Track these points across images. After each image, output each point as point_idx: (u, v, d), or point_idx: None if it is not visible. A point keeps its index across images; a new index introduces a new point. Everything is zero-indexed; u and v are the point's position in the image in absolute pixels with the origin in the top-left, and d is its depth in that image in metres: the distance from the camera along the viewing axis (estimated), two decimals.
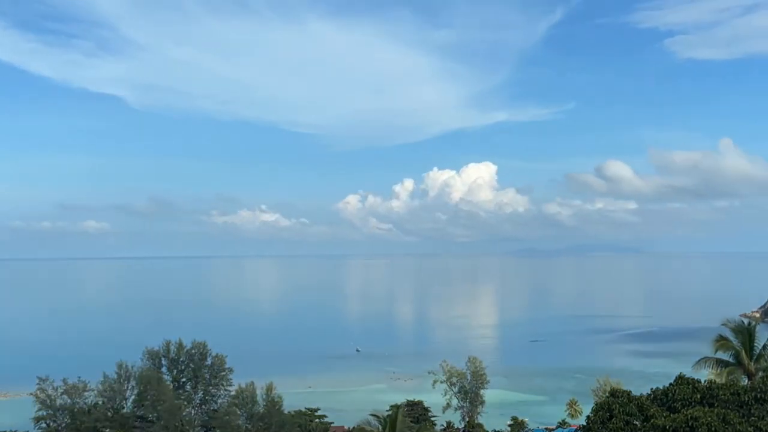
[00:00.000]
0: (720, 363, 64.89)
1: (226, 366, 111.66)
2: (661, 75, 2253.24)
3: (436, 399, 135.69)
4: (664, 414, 43.58)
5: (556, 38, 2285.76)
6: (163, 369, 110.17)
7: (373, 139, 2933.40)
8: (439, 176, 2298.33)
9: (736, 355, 64.92)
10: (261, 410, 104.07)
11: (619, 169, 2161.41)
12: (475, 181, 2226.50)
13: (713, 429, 40.02)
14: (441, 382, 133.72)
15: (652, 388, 49.76)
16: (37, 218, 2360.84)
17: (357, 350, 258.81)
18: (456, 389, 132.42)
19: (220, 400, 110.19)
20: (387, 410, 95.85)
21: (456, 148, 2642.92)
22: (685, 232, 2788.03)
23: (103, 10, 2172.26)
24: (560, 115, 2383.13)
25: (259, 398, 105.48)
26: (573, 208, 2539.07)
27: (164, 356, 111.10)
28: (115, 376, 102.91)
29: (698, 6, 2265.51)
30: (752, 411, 44.66)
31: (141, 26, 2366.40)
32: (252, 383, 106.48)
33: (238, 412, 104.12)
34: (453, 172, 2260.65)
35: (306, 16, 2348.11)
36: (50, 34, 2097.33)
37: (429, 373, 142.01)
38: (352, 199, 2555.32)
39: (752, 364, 64.01)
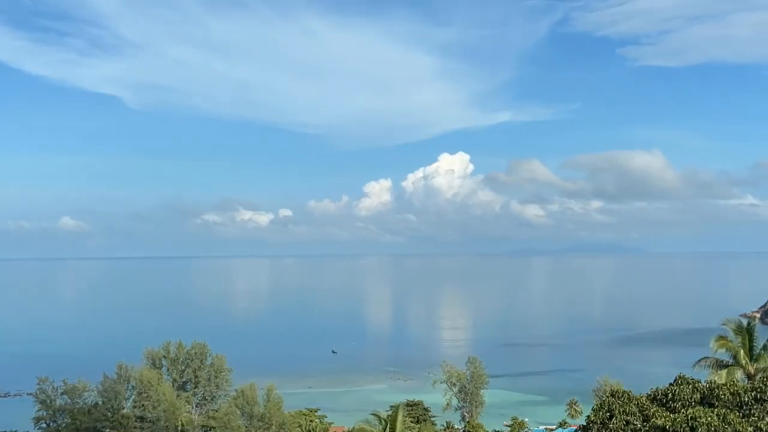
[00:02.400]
0: (720, 363, 64.88)
1: (226, 366, 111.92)
2: (633, 79, 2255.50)
3: (436, 399, 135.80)
4: (664, 414, 43.60)
5: (556, 37, 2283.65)
6: (163, 369, 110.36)
7: (373, 139, 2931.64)
8: (434, 176, 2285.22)
9: (736, 355, 64.94)
10: (261, 410, 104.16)
11: (536, 166, 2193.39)
12: (472, 180, 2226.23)
13: (713, 429, 40.03)
14: (441, 383, 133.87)
15: (652, 388, 49.69)
16: (25, 218, 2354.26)
17: (333, 351, 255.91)
18: (456, 389, 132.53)
19: (220, 401, 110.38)
20: (387, 410, 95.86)
21: (456, 148, 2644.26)
22: (670, 233, 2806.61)
23: (100, 8, 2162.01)
24: (564, 114, 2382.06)
25: (259, 399, 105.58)
26: (557, 209, 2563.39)
27: (164, 357, 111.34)
28: (115, 377, 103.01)
29: (645, 16, 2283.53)
30: (752, 411, 44.67)
31: (138, 25, 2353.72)
32: (253, 384, 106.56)
33: (238, 413, 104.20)
34: (449, 172, 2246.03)
35: (305, 16, 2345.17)
36: (42, 32, 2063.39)
37: (429, 373, 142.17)
38: (352, 199, 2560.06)
39: (752, 364, 64.01)
